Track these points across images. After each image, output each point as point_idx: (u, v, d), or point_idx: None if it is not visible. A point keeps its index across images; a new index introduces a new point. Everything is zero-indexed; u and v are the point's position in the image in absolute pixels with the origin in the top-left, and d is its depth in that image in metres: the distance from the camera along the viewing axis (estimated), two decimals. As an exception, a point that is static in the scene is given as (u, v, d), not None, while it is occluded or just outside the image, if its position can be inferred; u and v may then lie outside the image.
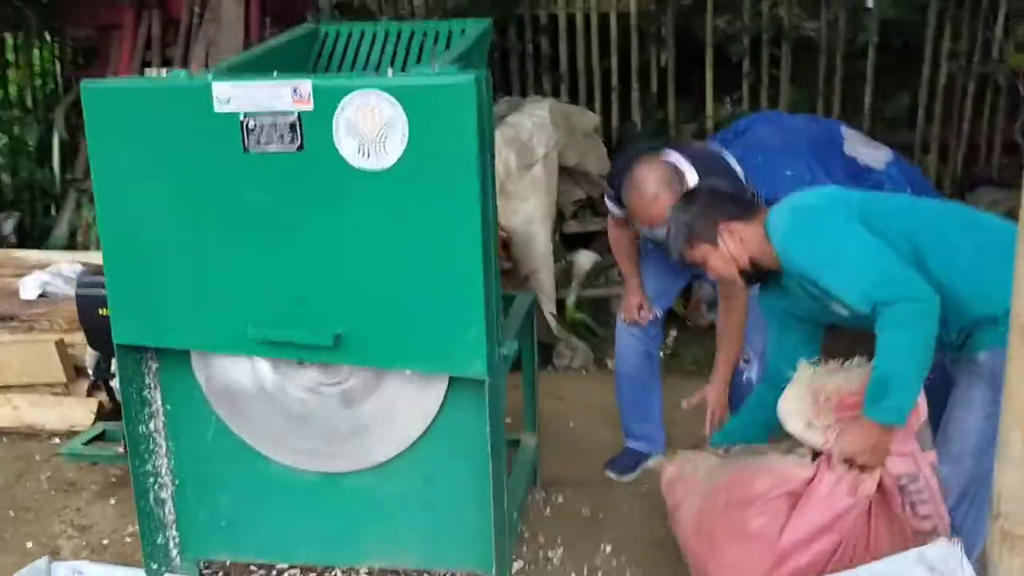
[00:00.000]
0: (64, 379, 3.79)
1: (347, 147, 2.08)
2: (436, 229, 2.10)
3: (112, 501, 3.20)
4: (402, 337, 2.19)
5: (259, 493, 2.50)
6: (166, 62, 5.44)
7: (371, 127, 2.05)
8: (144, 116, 2.15)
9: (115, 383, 3.00)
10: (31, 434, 3.74)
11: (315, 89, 2.06)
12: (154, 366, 2.43)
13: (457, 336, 2.16)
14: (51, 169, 5.54)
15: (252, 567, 2.74)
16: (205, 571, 2.68)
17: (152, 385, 2.44)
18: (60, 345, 3.79)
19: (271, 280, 2.19)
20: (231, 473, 2.49)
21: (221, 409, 2.43)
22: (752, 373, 3.14)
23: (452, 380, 2.30)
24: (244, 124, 2.10)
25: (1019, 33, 6.96)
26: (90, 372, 3.12)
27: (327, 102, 2.06)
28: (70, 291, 4.03)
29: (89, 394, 3.80)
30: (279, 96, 2.07)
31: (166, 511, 2.52)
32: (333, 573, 2.72)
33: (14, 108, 6.17)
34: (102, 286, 2.88)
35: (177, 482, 2.51)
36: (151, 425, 2.46)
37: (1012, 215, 1.90)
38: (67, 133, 5.69)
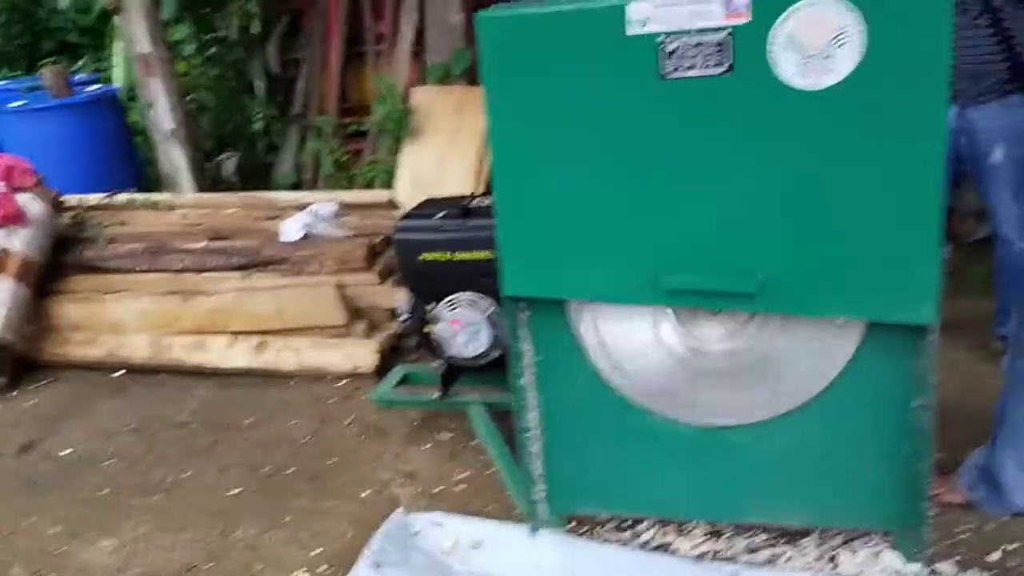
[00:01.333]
0: (344, 321, 3.75)
1: (786, 65, 1.81)
2: (889, 155, 1.82)
3: (427, 446, 3.14)
4: (837, 281, 1.94)
5: (635, 446, 2.34)
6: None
7: (818, 39, 1.78)
8: (545, 46, 1.93)
9: (437, 328, 2.88)
10: (316, 377, 3.73)
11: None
12: (525, 316, 2.27)
13: (903, 277, 1.90)
14: (269, 106, 5.47)
15: (605, 519, 2.61)
16: (561, 523, 2.58)
17: (524, 336, 2.29)
18: (338, 287, 3.73)
19: (688, 223, 1.97)
20: (605, 426, 2.34)
21: (600, 361, 2.26)
22: None
23: (871, 325, 2.05)
24: (662, 46, 1.86)
25: None
26: (403, 317, 3.01)
27: (767, 13, 1.79)
28: (333, 231, 3.97)
29: (399, 338, 3.78)
30: (707, 11, 1.81)
31: (536, 465, 2.40)
32: (693, 526, 2.56)
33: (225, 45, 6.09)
34: (423, 230, 2.77)
35: (546, 435, 2.38)
36: (525, 378, 2.31)
37: None
38: (279, 67, 5.61)
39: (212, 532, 2.75)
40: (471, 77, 4.91)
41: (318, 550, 2.62)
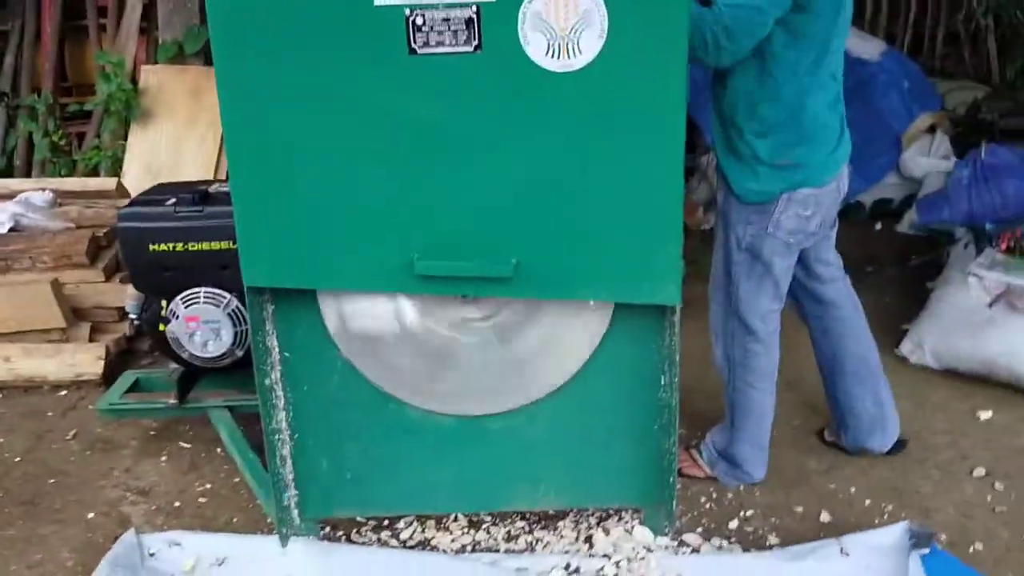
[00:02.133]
0: (64, 323, 3.35)
1: (534, 46, 1.78)
2: (633, 137, 1.84)
3: (163, 458, 2.86)
4: (587, 264, 1.95)
5: (391, 442, 2.24)
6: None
7: (564, 21, 1.76)
8: (283, 16, 1.78)
9: (172, 326, 2.63)
10: (31, 387, 3.32)
11: (500, -23, 1.74)
12: (270, 309, 2.11)
13: (649, 260, 1.94)
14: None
15: (363, 520, 2.49)
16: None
17: (270, 331, 2.12)
18: (56, 285, 3.33)
19: (440, 206, 1.89)
20: (359, 422, 2.22)
21: (352, 354, 2.14)
22: None
23: (617, 307, 2.08)
24: (410, 20, 1.77)
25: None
26: (132, 316, 2.72)
27: (513, -9, 1.75)
28: (48, 222, 3.56)
29: (129, 341, 3.41)
30: (455, -14, 1.75)
31: (286, 469, 2.24)
32: (451, 520, 2.50)
33: None
34: (153, 217, 2.53)
35: (297, 436, 2.22)
36: (272, 376, 2.14)
37: None
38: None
39: None
40: (208, 58, 4.57)
41: (33, 584, 2.30)
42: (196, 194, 2.61)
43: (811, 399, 3.03)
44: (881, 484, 2.64)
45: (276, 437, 2.19)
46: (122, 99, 4.24)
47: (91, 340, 3.39)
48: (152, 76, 4.40)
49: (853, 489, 2.62)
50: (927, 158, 4.76)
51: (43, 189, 3.80)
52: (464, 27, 1.77)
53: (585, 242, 1.93)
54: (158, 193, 2.71)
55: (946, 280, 3.51)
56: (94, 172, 4.44)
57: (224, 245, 2.57)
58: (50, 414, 3.15)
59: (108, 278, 3.53)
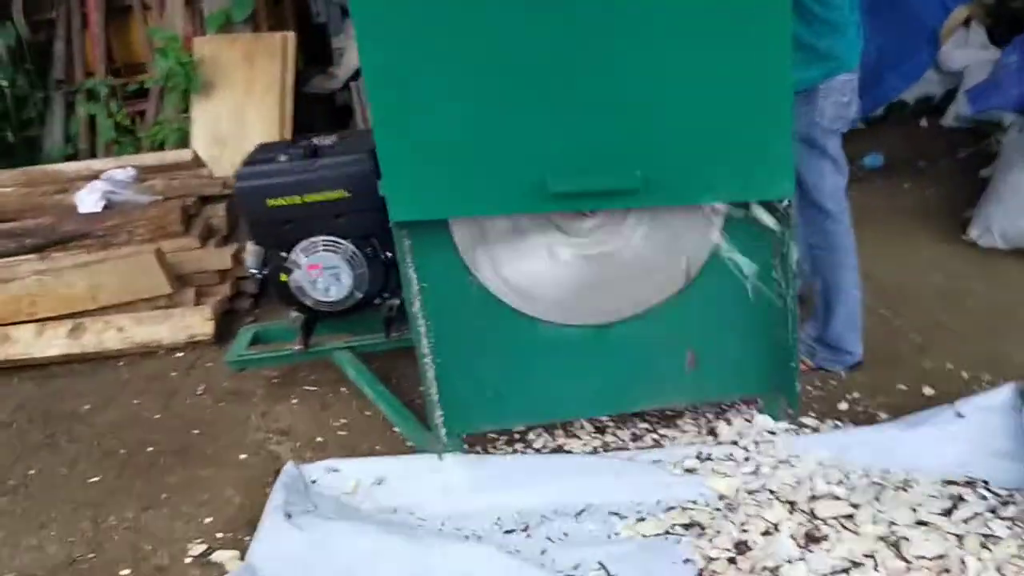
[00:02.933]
0: (169, 289, 3.52)
1: (649, -35, 1.90)
2: (744, 44, 1.97)
3: (294, 401, 3.05)
4: (707, 168, 2.09)
5: (526, 356, 2.41)
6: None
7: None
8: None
9: (295, 275, 2.79)
10: (147, 352, 3.50)
11: (615, -98, 1.85)
12: (407, 243, 2.26)
13: (764, 156, 2.08)
14: (27, 74, 4.92)
15: (496, 436, 2.67)
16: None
17: (409, 264, 2.27)
18: (159, 254, 3.50)
19: (567, 127, 2.03)
20: (495, 341, 2.39)
21: (490, 278, 2.29)
22: None
23: (732, 208, 2.22)
24: (531, -46, 1.89)
25: None
26: (252, 270, 2.87)
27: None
28: (137, 197, 3.72)
29: (231, 300, 3.64)
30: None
31: (433, 390, 2.41)
32: (579, 428, 2.68)
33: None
34: (268, 175, 2.67)
35: (439, 359, 2.39)
36: (416, 305, 2.30)
37: None
38: (28, 31, 5.05)
39: (81, 523, 2.54)
40: (255, 24, 4.68)
41: (208, 520, 2.49)
42: (306, 148, 2.75)
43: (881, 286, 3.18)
44: (975, 356, 2.79)
45: (425, 361, 2.35)
46: (182, 73, 4.36)
47: (197, 304, 3.56)
48: (206, 47, 4.51)
49: (949, 365, 2.78)
50: (965, 50, 4.83)
51: (124, 167, 3.94)
52: (582, -45, 1.89)
53: (703, 147, 2.06)
54: (265, 152, 2.85)
55: (1006, 164, 3.63)
56: (159, 147, 4.58)
57: (338, 194, 2.72)
58: (174, 374, 3.34)
59: (203, 244, 3.69)
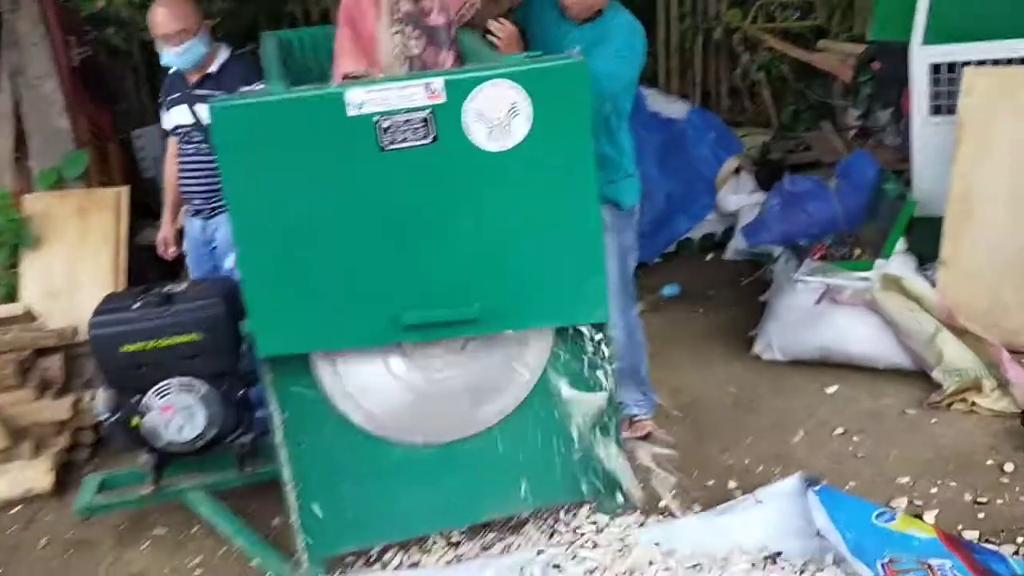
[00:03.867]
0: (6, 443, 3.48)
1: (477, 133, 2.29)
2: (560, 195, 2.38)
3: (145, 544, 3.08)
4: (535, 298, 2.45)
5: (379, 476, 2.62)
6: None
7: (498, 111, 2.29)
8: (275, 129, 2.21)
9: (148, 418, 2.89)
10: (-22, 511, 3.40)
11: (446, 84, 2.24)
12: (270, 376, 2.46)
13: (582, 289, 2.47)
14: None
15: (351, 561, 2.82)
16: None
17: (272, 395, 2.47)
18: (-5, 407, 3.46)
19: (415, 268, 2.35)
20: (351, 464, 2.59)
21: (345, 406, 2.52)
22: None
23: (558, 333, 2.59)
24: (378, 124, 2.24)
25: (730, -8, 8.21)
26: (102, 416, 2.93)
27: (458, 94, 2.26)
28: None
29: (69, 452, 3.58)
30: (412, 94, 2.24)
31: (295, 517, 2.56)
32: (432, 543, 2.88)
33: None
34: (123, 322, 2.82)
35: (301, 485, 2.56)
36: (279, 436, 2.49)
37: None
38: None
39: None
40: (87, 180, 4.79)
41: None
42: (159, 296, 2.91)
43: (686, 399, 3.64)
44: (767, 453, 3.25)
45: (288, 487, 2.52)
46: (12, 230, 4.38)
47: (35, 456, 3.52)
48: (37, 203, 4.56)
49: (747, 461, 3.22)
50: (737, 195, 5.61)
51: (-48, 322, 3.88)
52: (422, 125, 2.26)
53: (531, 283, 2.43)
54: (116, 301, 2.98)
55: (778, 289, 4.25)
56: (-18, 303, 4.50)
57: (192, 337, 2.88)
58: (11, 530, 3.27)
59: (39, 396, 3.67)
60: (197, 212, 3.59)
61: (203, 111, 3.28)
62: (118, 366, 2.87)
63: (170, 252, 3.87)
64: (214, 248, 3.57)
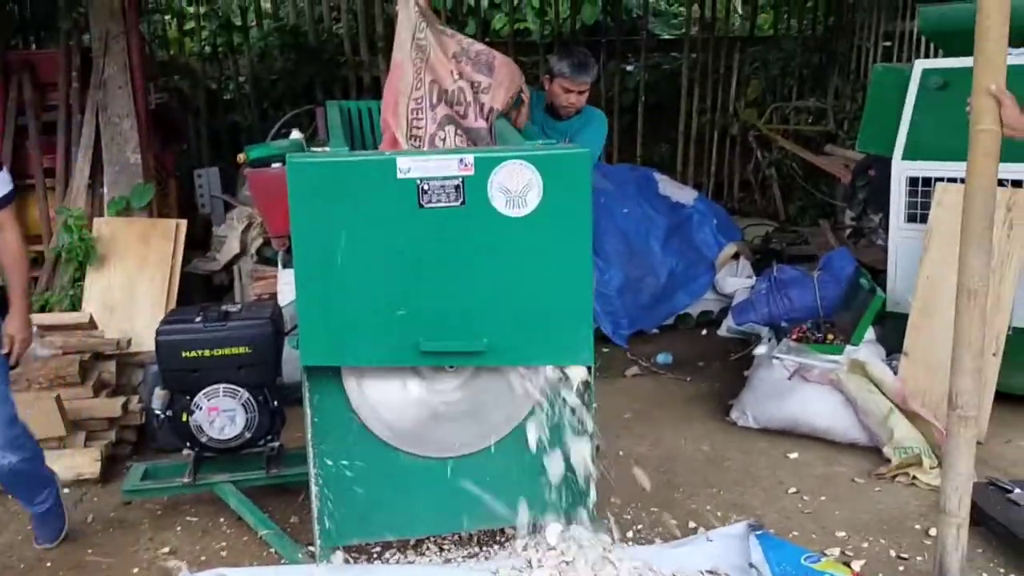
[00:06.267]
0: (64, 432, 3.97)
1: (498, 201, 2.81)
2: (561, 255, 2.88)
3: (178, 528, 3.53)
4: (534, 339, 2.94)
5: (392, 481, 3.08)
6: (46, 127, 5.53)
7: (516, 185, 2.81)
8: (338, 183, 2.74)
9: (196, 416, 3.39)
10: (34, 489, 3.87)
11: (476, 160, 2.78)
12: (307, 384, 2.96)
13: (573, 335, 2.96)
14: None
15: (356, 556, 3.27)
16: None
17: (307, 400, 2.96)
18: (59, 400, 3.97)
19: (437, 305, 2.85)
20: (367, 467, 3.05)
21: (366, 416, 3.00)
22: None
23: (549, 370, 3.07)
24: (420, 187, 2.77)
25: (747, 93, 8.84)
26: (157, 412, 3.43)
27: (484, 168, 2.79)
28: (41, 350, 4.21)
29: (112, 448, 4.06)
30: (448, 165, 2.77)
31: (314, 508, 3.03)
32: (425, 548, 3.32)
33: None
34: (186, 331, 3.33)
35: (320, 483, 3.03)
36: (308, 435, 2.97)
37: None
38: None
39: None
40: (150, 210, 5.37)
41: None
42: (219, 312, 3.44)
43: (663, 452, 4.09)
44: (727, 503, 3.69)
45: (312, 480, 2.99)
46: (82, 248, 4.94)
47: (85, 446, 4.01)
48: (105, 227, 5.13)
49: (708, 507, 3.65)
50: (735, 277, 6.11)
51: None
52: (454, 190, 2.79)
53: (532, 326, 2.92)
54: (181, 314, 3.51)
55: (757, 364, 4.72)
56: (45, 310, 5.05)
57: (241, 350, 3.39)
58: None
59: (96, 394, 4.18)
60: None
61: None
62: (177, 369, 3.39)
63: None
64: None
